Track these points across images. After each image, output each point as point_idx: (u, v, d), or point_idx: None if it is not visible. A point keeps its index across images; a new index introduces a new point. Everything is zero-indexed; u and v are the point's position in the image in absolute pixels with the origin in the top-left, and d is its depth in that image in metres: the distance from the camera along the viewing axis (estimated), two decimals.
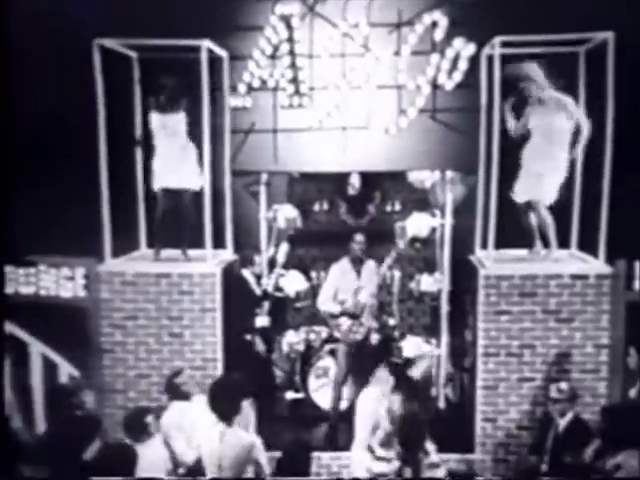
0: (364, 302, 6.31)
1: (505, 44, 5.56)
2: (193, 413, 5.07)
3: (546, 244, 5.94)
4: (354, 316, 6.30)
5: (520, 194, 5.85)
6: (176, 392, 5.17)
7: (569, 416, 5.09)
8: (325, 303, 6.44)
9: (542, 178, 5.72)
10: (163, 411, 5.12)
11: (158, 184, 5.94)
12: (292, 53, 6.12)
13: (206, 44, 5.65)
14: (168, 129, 5.84)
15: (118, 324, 5.80)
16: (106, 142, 5.79)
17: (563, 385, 5.13)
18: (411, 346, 6.71)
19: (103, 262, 5.89)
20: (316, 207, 7.82)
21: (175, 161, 5.86)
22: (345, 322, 6.30)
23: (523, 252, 6.10)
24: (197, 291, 5.74)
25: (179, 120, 5.85)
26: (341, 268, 6.45)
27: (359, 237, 6.37)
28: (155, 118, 5.88)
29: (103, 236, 5.87)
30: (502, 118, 5.76)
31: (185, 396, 5.17)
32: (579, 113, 5.68)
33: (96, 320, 5.79)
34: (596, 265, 5.74)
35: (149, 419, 4.79)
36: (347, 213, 7.76)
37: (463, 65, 6.06)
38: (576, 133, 5.67)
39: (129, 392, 5.84)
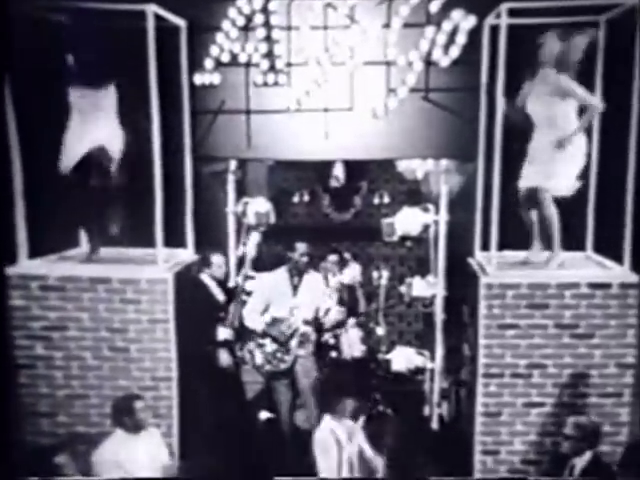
0: (295, 327, 5.27)
1: (512, 13, 4.61)
2: (138, 450, 4.23)
3: (549, 246, 4.97)
4: (279, 342, 5.29)
5: (525, 178, 4.88)
6: (126, 420, 4.27)
7: (587, 455, 4.09)
8: (250, 316, 5.39)
9: (554, 163, 4.75)
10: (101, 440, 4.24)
11: (66, 163, 4.84)
12: (267, 24, 5.23)
13: (152, 9, 4.63)
14: (89, 107, 4.81)
15: (38, 335, 4.82)
16: (34, 120, 4.79)
17: (582, 420, 4.09)
18: (401, 358, 5.64)
19: (15, 263, 4.86)
20: (295, 199, 6.90)
21: (89, 134, 4.81)
22: (269, 345, 5.29)
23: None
24: (145, 299, 4.75)
25: (104, 97, 4.83)
26: (275, 278, 5.45)
27: (302, 246, 5.40)
28: (73, 94, 4.81)
29: (16, 232, 4.81)
30: (506, 96, 4.80)
31: (136, 427, 4.27)
32: (584, 93, 4.73)
33: (4, 331, 4.80)
34: (619, 272, 4.80)
35: (61, 459, 3.85)
36: (330, 206, 6.93)
37: (461, 39, 5.15)
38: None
39: (59, 416, 4.86)
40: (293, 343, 5.28)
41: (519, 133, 4.88)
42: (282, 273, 5.44)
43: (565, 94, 4.68)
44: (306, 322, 5.33)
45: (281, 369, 5.28)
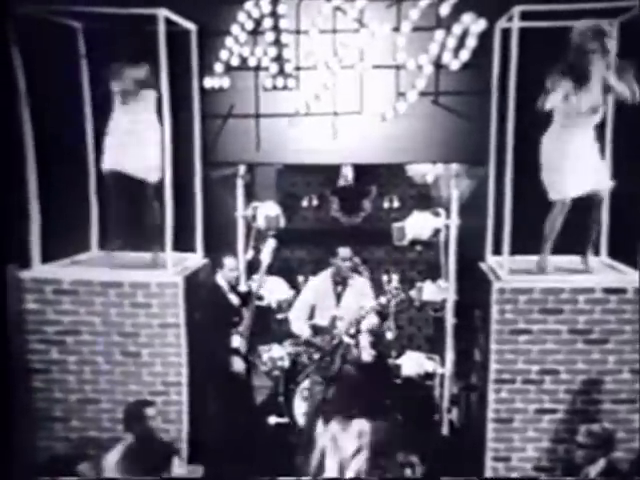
0: (339, 339, 5.20)
1: (524, 16, 4.53)
2: None
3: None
4: (323, 352, 5.27)
5: (575, 187, 4.68)
6: (136, 426, 4.18)
7: (601, 463, 3.95)
8: (297, 321, 5.39)
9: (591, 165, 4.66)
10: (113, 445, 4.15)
11: (106, 164, 4.84)
12: (276, 28, 5.17)
13: (163, 13, 4.58)
14: (132, 92, 4.75)
15: (53, 340, 4.77)
16: (49, 123, 4.73)
17: (595, 427, 4.00)
18: (411, 363, 5.52)
19: (29, 267, 4.80)
20: (304, 203, 6.79)
21: (134, 140, 4.77)
22: (314, 353, 5.30)
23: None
24: (155, 303, 4.69)
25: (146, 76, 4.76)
26: (320, 284, 5.39)
27: (344, 252, 5.28)
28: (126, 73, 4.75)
29: (30, 236, 4.75)
30: (517, 99, 4.67)
31: (146, 435, 4.19)
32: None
33: (19, 335, 4.73)
34: (635, 277, 4.66)
35: (83, 467, 3.86)
36: (339, 210, 6.76)
37: (471, 42, 5.08)
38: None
39: (72, 420, 4.81)
40: (337, 356, 5.22)
41: (531, 137, 4.75)
42: (326, 278, 5.40)
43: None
44: (350, 335, 5.27)
45: (327, 376, 5.23)
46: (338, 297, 5.36)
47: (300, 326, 5.41)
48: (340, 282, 5.35)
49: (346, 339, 5.27)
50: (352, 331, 5.30)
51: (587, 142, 4.66)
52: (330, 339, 5.29)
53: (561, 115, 4.65)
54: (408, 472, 4.16)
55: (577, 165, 4.65)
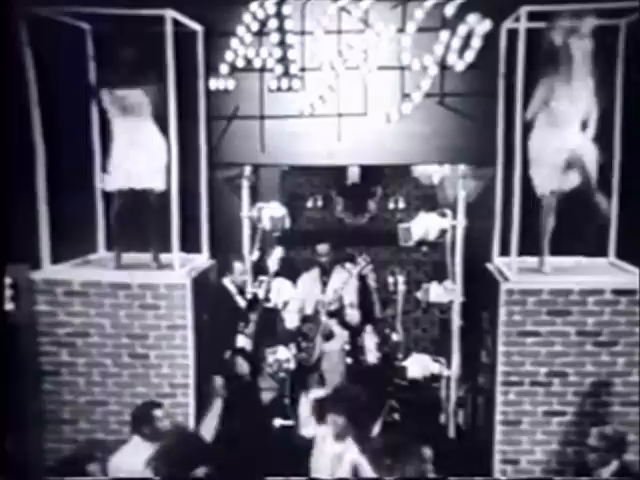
0: (318, 323, 5.41)
1: (530, 16, 4.47)
2: None
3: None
4: (308, 338, 5.45)
5: (544, 183, 4.68)
6: (144, 428, 4.10)
7: (614, 465, 3.88)
8: (287, 314, 5.61)
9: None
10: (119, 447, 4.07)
11: (112, 184, 4.79)
12: (281, 29, 5.13)
13: (170, 14, 4.54)
14: (126, 110, 4.68)
15: (63, 341, 4.73)
16: (57, 125, 4.69)
17: (607, 430, 3.92)
18: (417, 365, 5.46)
19: (39, 268, 4.76)
20: (309, 204, 6.77)
21: (135, 153, 4.71)
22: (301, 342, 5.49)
23: (555, 260, 4.91)
24: (163, 305, 4.65)
25: (137, 98, 4.68)
26: (309, 278, 5.65)
27: (322, 248, 5.61)
28: (107, 96, 4.71)
29: (39, 237, 4.71)
30: (525, 100, 4.61)
31: (154, 435, 4.08)
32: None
33: (31, 337, 4.70)
34: None
35: (92, 468, 3.76)
36: (344, 210, 6.76)
37: (477, 43, 5.03)
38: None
39: (80, 423, 4.78)
40: (318, 338, 5.38)
41: None
42: (315, 272, 5.63)
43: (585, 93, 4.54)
44: (330, 314, 5.42)
45: (310, 364, 5.37)
46: (324, 284, 5.59)
47: (290, 317, 5.58)
48: (325, 272, 5.61)
49: (324, 318, 5.42)
50: (332, 307, 5.44)
51: (570, 139, 4.59)
52: (315, 325, 5.43)
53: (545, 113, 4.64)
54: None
55: (557, 160, 4.61)
